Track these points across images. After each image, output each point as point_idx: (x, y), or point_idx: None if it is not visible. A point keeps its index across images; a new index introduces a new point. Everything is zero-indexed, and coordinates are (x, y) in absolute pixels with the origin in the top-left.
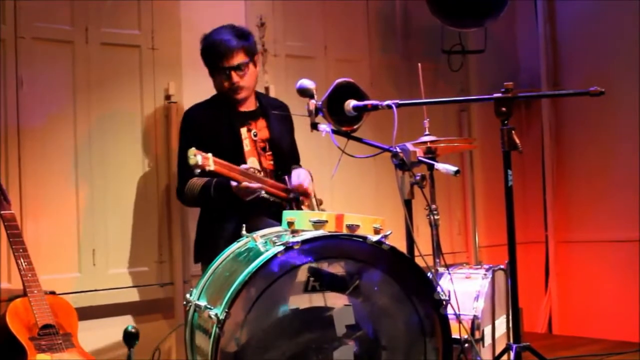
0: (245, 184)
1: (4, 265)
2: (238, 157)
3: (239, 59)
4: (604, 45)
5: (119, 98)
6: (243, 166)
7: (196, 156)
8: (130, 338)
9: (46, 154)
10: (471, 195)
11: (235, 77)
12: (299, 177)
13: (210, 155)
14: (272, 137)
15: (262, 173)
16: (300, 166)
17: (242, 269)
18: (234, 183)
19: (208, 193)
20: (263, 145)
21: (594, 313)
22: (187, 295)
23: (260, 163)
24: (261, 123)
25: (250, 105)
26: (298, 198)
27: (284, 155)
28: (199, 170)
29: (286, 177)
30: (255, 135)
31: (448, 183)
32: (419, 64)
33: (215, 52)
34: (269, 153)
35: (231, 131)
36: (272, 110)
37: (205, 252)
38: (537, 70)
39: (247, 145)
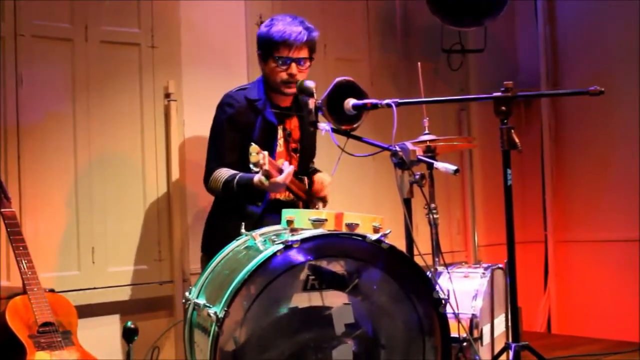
0: (275, 180)
1: (4, 263)
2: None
3: (304, 53)
4: (604, 45)
5: (118, 96)
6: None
7: (259, 154)
8: (129, 334)
9: (45, 152)
10: (470, 195)
11: (294, 69)
12: (322, 183)
13: (266, 153)
14: (304, 137)
15: None
16: (320, 171)
17: (241, 268)
18: (256, 179)
19: (231, 188)
20: (295, 146)
21: (592, 312)
22: (186, 294)
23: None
24: (294, 122)
25: (287, 101)
26: (312, 202)
27: (309, 157)
28: (257, 169)
29: (305, 179)
30: (289, 136)
31: (447, 182)
32: (419, 63)
33: (283, 39)
34: (297, 155)
35: (268, 129)
36: (304, 109)
37: (213, 245)
38: (536, 69)
39: (280, 146)
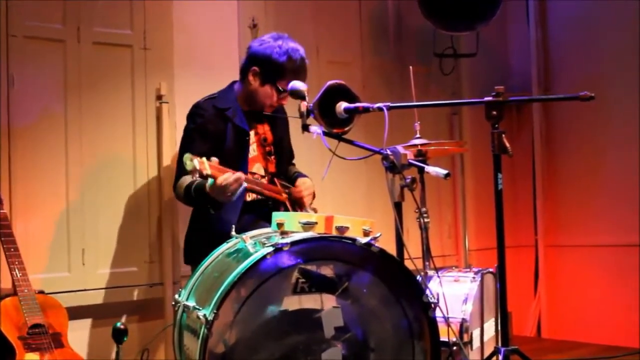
0: (221, 179)
1: None
2: (241, 160)
3: None
4: (595, 50)
5: (110, 98)
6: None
7: (192, 161)
8: (119, 335)
9: (36, 153)
10: (461, 199)
11: (286, 100)
12: (302, 185)
13: (204, 159)
14: (276, 140)
15: (265, 178)
16: (305, 175)
17: (231, 270)
18: (208, 184)
19: (190, 194)
20: (269, 149)
21: (582, 317)
22: (176, 296)
23: (266, 168)
24: (266, 126)
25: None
26: (294, 201)
27: (285, 157)
28: (197, 175)
29: (278, 183)
30: (264, 141)
31: (438, 186)
32: (411, 67)
33: (294, 74)
34: (273, 157)
35: (239, 135)
36: (275, 113)
37: (194, 254)
38: (528, 74)
39: (254, 151)
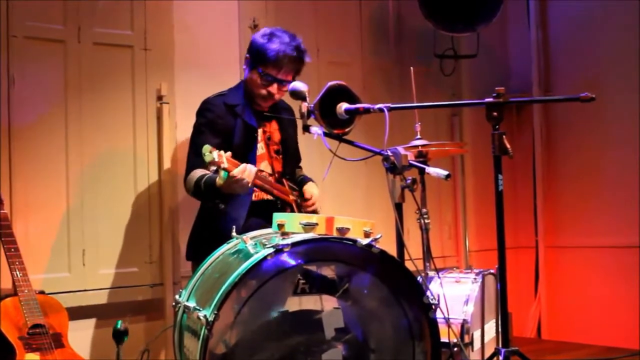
0: (236, 171)
1: None
2: (249, 157)
3: (289, 76)
4: (595, 50)
5: (110, 98)
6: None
7: (212, 153)
8: (119, 335)
9: (37, 154)
10: (462, 200)
11: (275, 88)
12: (311, 196)
13: (223, 152)
14: (284, 139)
15: (273, 176)
16: (311, 179)
17: (232, 271)
18: (219, 181)
19: (199, 187)
20: (277, 148)
21: (583, 318)
22: (176, 297)
23: (272, 167)
24: (274, 125)
25: (265, 105)
26: (299, 202)
27: (292, 157)
28: (214, 168)
29: (286, 183)
30: (269, 139)
31: (439, 187)
32: (411, 68)
33: (276, 60)
34: (280, 156)
35: (247, 131)
36: (283, 112)
37: (198, 251)
38: (528, 75)
39: (261, 148)
